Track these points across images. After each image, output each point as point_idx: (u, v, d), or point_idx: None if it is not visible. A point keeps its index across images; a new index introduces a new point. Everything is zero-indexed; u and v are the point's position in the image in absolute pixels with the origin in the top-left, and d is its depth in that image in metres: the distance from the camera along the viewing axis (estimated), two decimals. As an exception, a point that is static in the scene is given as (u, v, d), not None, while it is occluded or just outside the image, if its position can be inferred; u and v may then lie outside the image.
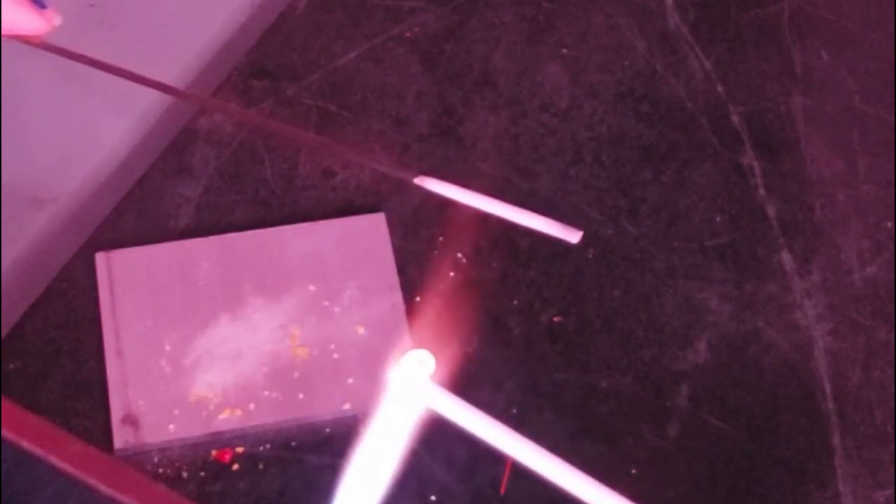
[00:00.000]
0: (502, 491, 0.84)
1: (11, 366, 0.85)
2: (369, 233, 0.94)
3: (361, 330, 0.89)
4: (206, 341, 0.87)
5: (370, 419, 0.51)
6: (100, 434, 0.83)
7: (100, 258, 0.90)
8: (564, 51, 1.09)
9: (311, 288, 0.90)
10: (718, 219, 1.00)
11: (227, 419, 0.84)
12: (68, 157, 0.95)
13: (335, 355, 0.87)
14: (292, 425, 0.85)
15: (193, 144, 0.99)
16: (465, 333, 0.91)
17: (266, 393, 0.85)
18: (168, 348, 0.86)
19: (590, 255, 0.97)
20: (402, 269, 0.93)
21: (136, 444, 0.82)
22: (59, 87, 0.96)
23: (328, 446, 0.85)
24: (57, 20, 0.58)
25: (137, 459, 0.83)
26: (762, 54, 1.12)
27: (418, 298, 0.91)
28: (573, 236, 0.52)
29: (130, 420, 0.83)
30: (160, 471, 0.83)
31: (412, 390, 0.47)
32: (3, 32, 0.56)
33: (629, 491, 0.90)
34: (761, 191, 1.02)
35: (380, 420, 0.50)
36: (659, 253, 0.98)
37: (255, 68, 1.04)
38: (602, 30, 1.11)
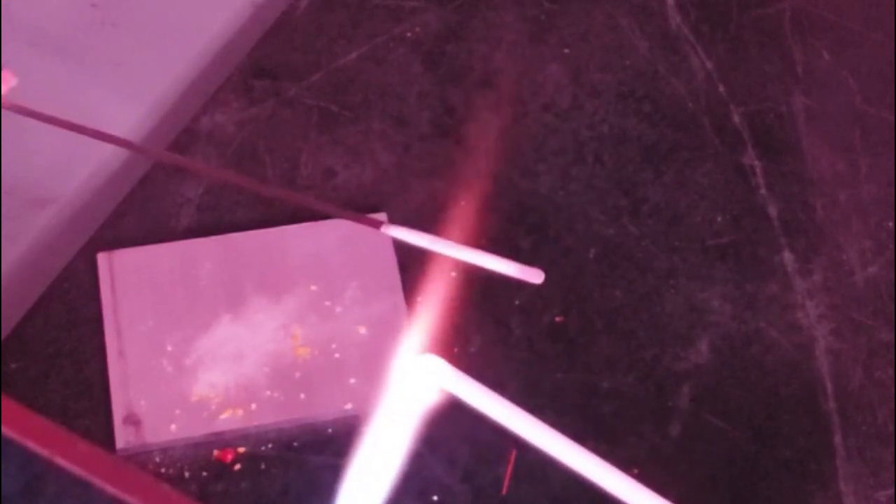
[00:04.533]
0: (504, 491, 0.84)
1: (13, 366, 0.85)
2: (371, 233, 0.94)
3: (363, 330, 0.89)
4: (208, 341, 0.87)
5: (372, 419, 0.51)
6: (101, 434, 0.83)
7: (101, 258, 0.90)
8: (566, 51, 1.09)
9: (313, 288, 0.90)
10: (720, 219, 1.00)
11: (229, 419, 0.84)
12: (70, 157, 0.95)
13: (337, 355, 0.87)
14: (294, 425, 0.85)
15: (195, 144, 0.99)
16: (467, 333, 0.91)
17: (268, 393, 0.85)
18: (170, 348, 0.86)
19: (591, 256, 0.97)
20: (403, 269, 0.93)
21: (138, 444, 0.82)
22: (61, 87, 0.96)
23: (330, 446, 0.85)
24: (12, 81, 0.60)
25: (139, 459, 0.83)
26: (763, 54, 1.12)
27: (420, 298, 0.91)
28: (535, 277, 0.52)
29: (132, 420, 0.83)
30: (162, 471, 0.83)
31: (420, 392, 0.47)
32: None
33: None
34: (763, 191, 1.02)
35: (382, 420, 0.50)
36: (660, 253, 0.98)
37: (256, 68, 1.04)
38: (603, 30, 1.11)
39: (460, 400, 0.49)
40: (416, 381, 0.47)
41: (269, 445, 0.84)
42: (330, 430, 0.85)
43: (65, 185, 0.93)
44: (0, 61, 0.59)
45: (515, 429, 0.48)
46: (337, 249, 0.93)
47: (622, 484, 0.47)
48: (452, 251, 0.52)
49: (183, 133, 0.99)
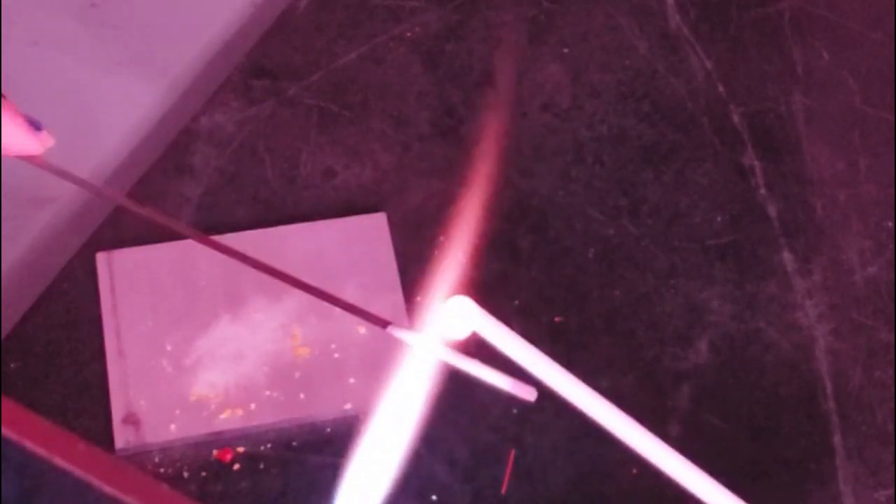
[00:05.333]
0: (503, 491, 0.84)
1: (12, 365, 0.85)
2: (370, 233, 0.94)
3: (362, 330, 0.89)
4: (207, 341, 0.87)
5: (372, 418, 0.51)
6: (101, 434, 0.83)
7: (101, 258, 0.90)
8: (565, 50, 1.09)
9: (312, 288, 0.90)
10: (719, 219, 1.00)
11: (229, 419, 0.84)
12: (69, 157, 0.95)
13: (336, 355, 0.87)
14: (293, 425, 0.85)
15: (194, 144, 0.99)
16: (466, 333, 0.91)
17: (267, 393, 0.85)
18: (169, 348, 0.86)
19: (590, 255, 0.97)
20: (402, 269, 0.93)
21: (138, 444, 0.82)
22: (60, 87, 0.96)
23: (329, 446, 0.85)
24: (50, 142, 0.62)
25: (138, 459, 0.83)
26: (763, 54, 1.12)
27: (419, 298, 0.91)
28: (529, 395, 0.53)
29: (131, 420, 0.83)
30: (161, 471, 0.83)
31: (449, 334, 0.47)
32: (2, 153, 0.59)
33: (630, 490, 0.90)
34: (762, 191, 1.02)
35: (382, 417, 0.50)
36: (660, 253, 0.98)
37: (256, 68, 1.04)
38: (603, 29, 1.11)
39: (468, 375, 0.50)
40: (446, 322, 0.48)
41: (269, 445, 0.84)
42: (329, 430, 0.85)
43: (64, 184, 0.93)
44: (39, 121, 0.61)
45: (542, 376, 0.48)
46: (336, 249, 0.93)
47: (650, 442, 0.47)
48: (450, 358, 0.53)
49: (183, 133, 0.99)
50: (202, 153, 0.98)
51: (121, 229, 0.93)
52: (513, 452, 0.86)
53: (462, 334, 0.48)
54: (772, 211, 1.01)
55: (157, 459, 0.83)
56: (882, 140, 1.07)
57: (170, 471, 0.82)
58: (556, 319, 0.93)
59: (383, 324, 0.56)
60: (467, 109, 1.04)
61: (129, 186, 0.95)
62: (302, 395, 0.85)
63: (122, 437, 0.82)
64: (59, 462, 0.32)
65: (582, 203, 1.00)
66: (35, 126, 0.61)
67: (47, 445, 0.33)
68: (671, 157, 1.04)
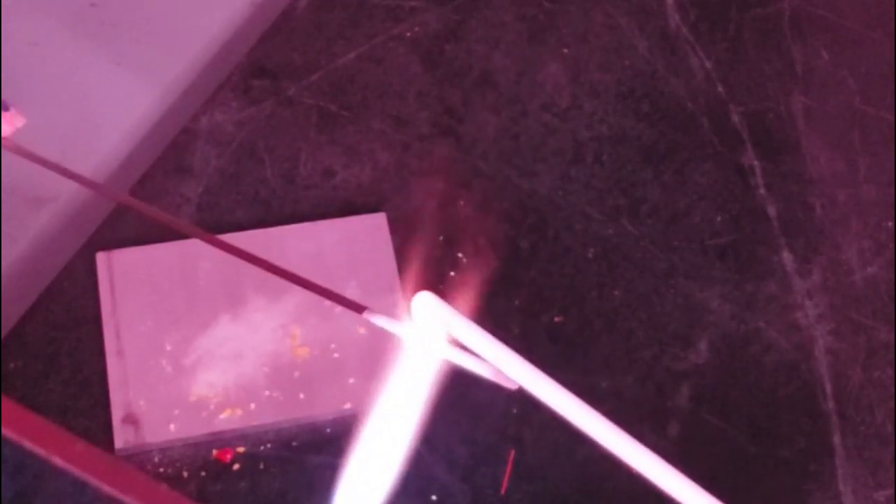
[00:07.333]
0: (503, 491, 0.84)
1: (12, 365, 0.85)
2: (370, 233, 0.94)
3: (362, 330, 0.89)
4: (207, 341, 0.87)
5: (371, 417, 0.51)
6: (100, 433, 0.83)
7: (101, 258, 0.90)
8: (565, 50, 1.09)
9: (312, 288, 0.90)
10: (719, 218, 1.00)
11: (228, 419, 0.84)
12: (69, 156, 0.95)
13: (336, 355, 0.87)
14: (293, 425, 0.85)
15: (194, 144, 0.99)
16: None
17: (267, 393, 0.85)
18: (169, 348, 0.86)
19: (590, 255, 0.97)
20: (402, 269, 0.93)
21: (137, 444, 0.82)
22: (60, 86, 0.96)
23: (329, 446, 0.85)
24: (20, 122, 0.60)
25: (138, 459, 0.83)
26: (763, 54, 1.12)
27: (419, 298, 0.91)
28: (511, 383, 0.53)
29: (131, 419, 0.83)
30: (161, 470, 0.83)
31: (431, 329, 0.47)
32: None
33: (630, 490, 0.90)
34: (762, 190, 1.02)
35: (381, 415, 0.50)
36: (659, 253, 0.98)
37: (255, 68, 1.04)
38: (603, 30, 1.11)
39: (458, 359, 0.49)
40: (420, 321, 0.47)
41: (268, 445, 0.84)
42: (329, 430, 0.85)
43: (64, 184, 0.93)
44: (1, 99, 0.60)
45: (514, 374, 0.48)
46: (336, 249, 0.93)
47: (622, 441, 0.47)
48: (432, 346, 0.53)
49: (182, 133, 0.99)
50: (202, 153, 0.98)
51: (121, 229, 0.93)
52: (513, 452, 0.86)
53: (432, 330, 0.48)
54: (772, 211, 1.01)
55: (156, 459, 0.83)
56: (882, 140, 1.07)
57: (169, 471, 0.82)
58: (556, 319, 0.93)
59: (359, 309, 0.55)
60: (467, 109, 1.04)
61: (130, 186, 0.95)
62: (302, 395, 0.85)
63: (122, 437, 0.82)
64: (59, 462, 0.32)
65: (581, 203, 1.00)
66: (2, 106, 0.59)
67: (46, 445, 0.33)
68: (671, 157, 1.04)
